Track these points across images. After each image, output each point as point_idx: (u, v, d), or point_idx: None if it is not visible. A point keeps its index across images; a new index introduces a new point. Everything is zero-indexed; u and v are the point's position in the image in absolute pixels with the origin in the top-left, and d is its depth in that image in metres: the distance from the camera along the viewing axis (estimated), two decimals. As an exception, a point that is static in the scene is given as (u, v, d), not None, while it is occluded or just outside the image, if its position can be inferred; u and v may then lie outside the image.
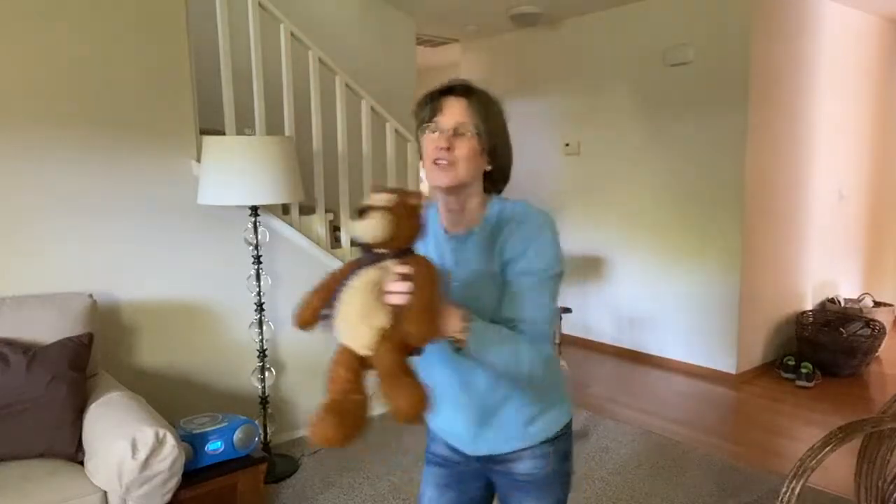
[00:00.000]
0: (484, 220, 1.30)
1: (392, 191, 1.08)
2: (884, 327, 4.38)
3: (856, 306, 4.75)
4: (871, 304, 4.83)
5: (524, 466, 1.36)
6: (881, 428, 1.72)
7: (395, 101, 4.43)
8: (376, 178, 3.66)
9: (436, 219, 1.35)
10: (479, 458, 1.40)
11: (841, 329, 4.31)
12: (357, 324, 1.04)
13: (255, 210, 2.79)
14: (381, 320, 1.03)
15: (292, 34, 3.18)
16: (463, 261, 1.29)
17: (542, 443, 1.36)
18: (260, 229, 2.85)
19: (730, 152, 4.08)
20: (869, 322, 4.41)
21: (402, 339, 1.03)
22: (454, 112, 1.23)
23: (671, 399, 3.93)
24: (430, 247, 1.33)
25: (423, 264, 1.07)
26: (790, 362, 4.25)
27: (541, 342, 1.23)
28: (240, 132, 3.14)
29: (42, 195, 2.52)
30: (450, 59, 6.64)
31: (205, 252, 2.94)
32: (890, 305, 4.89)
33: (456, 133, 1.22)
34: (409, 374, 1.03)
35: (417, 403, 1.00)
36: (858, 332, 4.33)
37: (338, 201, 3.45)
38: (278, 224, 3.14)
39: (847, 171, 4.90)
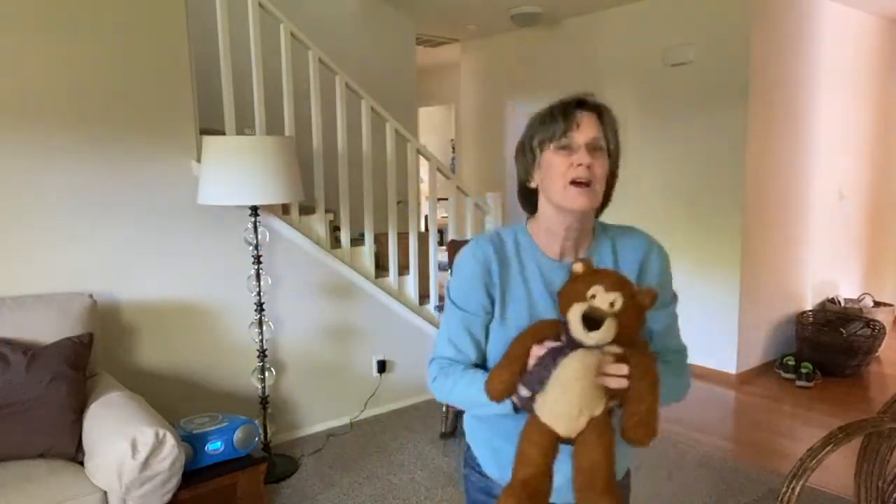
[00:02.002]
0: (594, 246, 1.23)
1: (618, 285, 1.00)
2: (884, 327, 4.38)
3: (856, 306, 4.75)
4: (871, 304, 4.83)
5: None
6: (881, 428, 1.71)
7: (395, 101, 4.44)
8: (376, 178, 3.66)
9: (530, 243, 1.24)
10: None
11: (841, 329, 4.31)
12: (573, 408, 0.98)
13: (255, 210, 2.79)
14: (599, 407, 0.99)
15: (292, 34, 3.18)
16: None
17: (624, 476, 1.33)
18: (260, 229, 2.85)
19: (730, 152, 4.08)
20: (869, 322, 4.41)
21: (612, 433, 0.99)
22: (589, 126, 1.14)
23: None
24: (531, 277, 1.22)
25: (643, 352, 1.02)
26: (790, 362, 4.25)
27: (688, 369, 1.27)
28: (240, 132, 3.14)
29: (42, 195, 2.52)
30: (450, 59, 6.65)
31: (205, 252, 2.94)
32: (890, 305, 4.89)
33: (591, 149, 1.13)
34: (614, 483, 0.99)
35: None
36: (858, 332, 4.33)
37: (338, 201, 3.45)
38: (278, 224, 3.14)
39: (847, 171, 4.90)
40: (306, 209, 3.34)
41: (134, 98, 2.70)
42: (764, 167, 4.16)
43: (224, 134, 3.05)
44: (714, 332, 4.27)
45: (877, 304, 4.86)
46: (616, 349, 0.99)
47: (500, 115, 5.62)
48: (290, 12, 3.26)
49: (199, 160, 2.83)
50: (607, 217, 1.30)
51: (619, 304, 0.98)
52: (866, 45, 4.88)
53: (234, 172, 2.58)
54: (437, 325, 3.76)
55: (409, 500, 2.70)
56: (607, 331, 0.96)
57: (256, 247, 2.83)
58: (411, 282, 3.74)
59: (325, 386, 3.42)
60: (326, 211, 3.38)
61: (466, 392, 1.18)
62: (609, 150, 1.16)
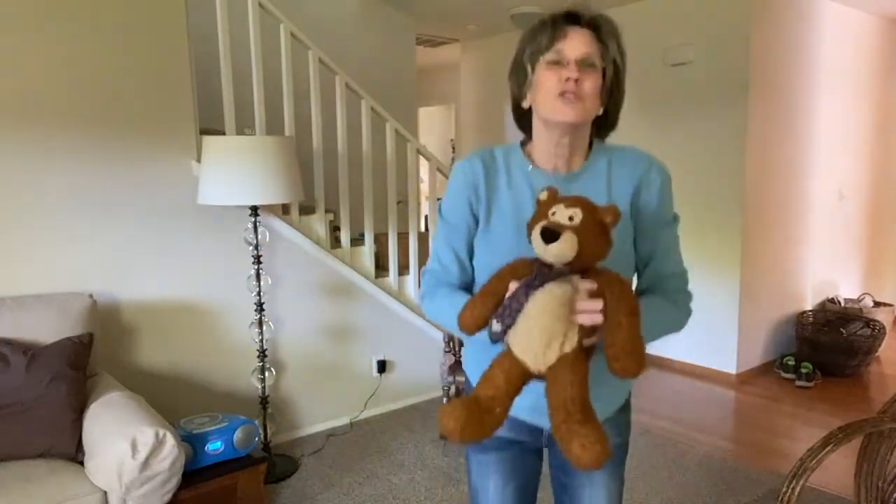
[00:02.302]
0: (589, 162, 1.21)
1: (578, 202, 0.99)
2: (884, 327, 4.38)
3: (856, 306, 4.75)
4: (871, 304, 4.83)
5: None
6: (881, 428, 1.72)
7: (395, 101, 4.44)
8: (376, 178, 3.66)
9: (521, 158, 1.23)
10: (550, 436, 1.27)
11: (841, 329, 4.31)
12: (542, 343, 0.97)
13: (255, 210, 2.79)
14: (570, 342, 0.97)
15: (292, 34, 3.18)
16: None
17: (621, 410, 1.32)
18: (260, 229, 2.85)
19: (730, 152, 4.08)
20: (869, 322, 4.41)
21: (586, 367, 0.97)
22: (581, 41, 1.12)
23: (671, 399, 3.93)
24: (519, 187, 1.21)
25: (615, 280, 0.99)
26: (790, 362, 4.25)
27: (689, 295, 1.25)
28: (240, 132, 3.14)
29: (42, 195, 2.52)
30: (450, 59, 6.65)
31: (205, 252, 2.94)
32: (890, 305, 4.89)
33: (582, 65, 1.11)
34: (592, 413, 0.96)
35: (601, 452, 0.91)
36: (858, 332, 4.33)
37: (338, 201, 3.45)
38: (278, 224, 3.14)
39: (847, 171, 4.90)
40: (306, 209, 3.34)
41: (134, 98, 2.70)
42: (764, 167, 4.16)
43: (224, 134, 3.05)
44: (714, 332, 4.27)
45: (877, 304, 4.86)
46: (589, 284, 0.98)
47: (500, 115, 5.62)
48: (290, 12, 3.26)
49: (199, 160, 2.83)
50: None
51: (578, 218, 0.96)
52: (866, 45, 4.88)
53: (234, 172, 2.58)
54: (437, 325, 3.77)
55: (409, 500, 2.70)
56: (565, 243, 0.94)
57: (256, 247, 2.83)
58: (411, 282, 3.74)
59: (325, 386, 3.42)
60: (326, 211, 3.38)
61: (447, 318, 1.18)
62: (605, 67, 1.14)
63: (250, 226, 2.82)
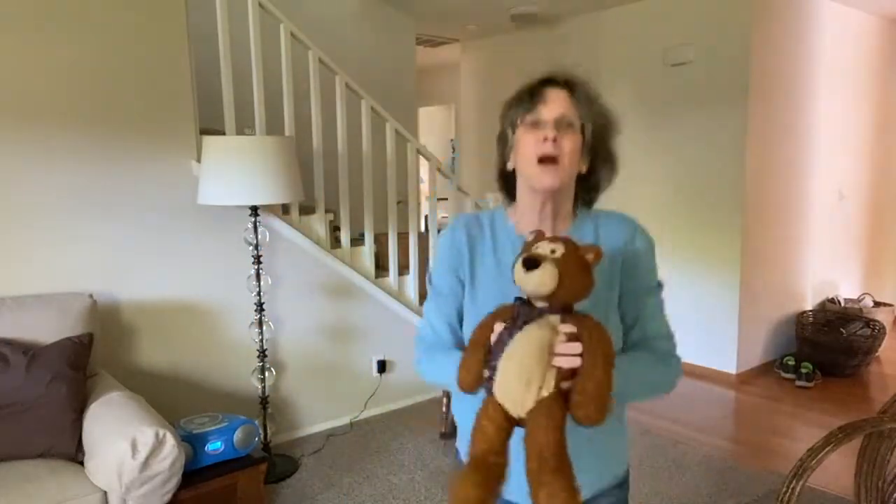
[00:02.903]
0: (574, 228, 1.21)
1: (560, 238, 0.99)
2: (884, 327, 4.38)
3: (856, 306, 4.75)
4: (871, 304, 4.83)
5: None
6: (881, 428, 1.72)
7: (395, 101, 4.44)
8: (376, 178, 3.66)
9: (506, 224, 1.25)
10: None
11: (841, 329, 4.31)
12: (519, 385, 0.94)
13: (255, 210, 2.79)
14: (548, 386, 0.94)
15: (292, 34, 3.18)
16: None
17: (619, 485, 1.27)
18: (260, 229, 2.85)
19: (730, 152, 4.08)
20: (869, 322, 4.41)
21: (563, 413, 0.94)
22: (557, 104, 1.14)
23: (671, 399, 3.93)
24: (503, 254, 1.22)
25: (593, 326, 0.97)
26: (790, 362, 4.25)
27: (678, 358, 1.22)
28: (240, 132, 3.14)
29: (42, 195, 2.52)
30: (450, 59, 6.65)
31: (205, 252, 2.94)
32: (890, 305, 4.89)
33: (559, 125, 1.12)
34: (566, 463, 0.93)
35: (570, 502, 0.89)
36: (858, 332, 4.33)
37: (338, 201, 3.45)
38: (278, 224, 3.14)
39: (847, 171, 4.90)
40: (306, 209, 3.34)
41: (134, 98, 2.70)
42: (764, 167, 4.16)
43: (224, 134, 3.05)
44: (714, 332, 4.27)
45: (877, 304, 4.86)
46: (568, 328, 0.96)
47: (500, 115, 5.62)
48: (290, 12, 3.26)
49: (199, 160, 2.83)
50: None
51: (559, 252, 0.96)
52: (866, 45, 4.88)
53: (234, 172, 2.58)
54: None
55: (409, 500, 2.70)
56: (545, 271, 0.93)
57: (256, 247, 2.83)
58: (411, 282, 3.74)
59: (325, 386, 3.42)
60: (326, 211, 3.38)
61: (447, 373, 1.15)
62: (583, 126, 1.15)
63: (250, 226, 2.82)
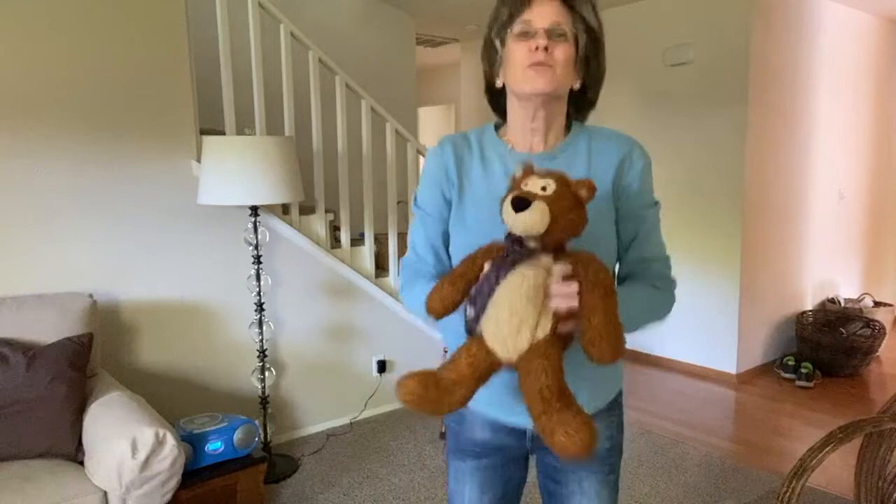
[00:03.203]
0: (568, 141, 1.15)
1: (552, 174, 0.93)
2: (884, 327, 4.38)
3: (856, 306, 4.75)
4: (871, 304, 4.83)
5: None
6: (881, 428, 1.72)
7: (395, 101, 4.44)
8: (376, 178, 3.66)
9: (495, 139, 1.19)
10: (534, 436, 1.21)
11: (841, 329, 4.31)
12: (513, 328, 0.90)
13: (255, 210, 2.79)
14: (543, 328, 0.90)
15: (292, 34, 3.18)
16: None
17: (609, 409, 1.24)
18: (260, 229, 2.85)
19: (730, 152, 4.08)
20: (869, 322, 4.41)
21: (560, 354, 0.91)
22: (549, 10, 1.06)
23: (671, 399, 3.93)
24: (494, 174, 1.16)
25: (588, 261, 0.92)
26: (790, 362, 4.25)
27: (673, 280, 1.19)
28: (240, 132, 3.14)
29: (42, 195, 2.52)
30: (450, 59, 6.65)
31: (205, 252, 2.94)
32: (890, 305, 4.89)
33: (551, 35, 1.05)
34: (571, 399, 0.89)
35: (588, 438, 0.85)
36: (858, 332, 4.33)
37: (338, 201, 3.45)
38: (278, 224, 3.14)
39: (847, 171, 4.90)
40: (306, 209, 3.34)
41: (134, 98, 2.70)
42: (764, 167, 4.16)
43: (224, 134, 3.05)
44: (714, 332, 4.27)
45: (877, 304, 4.86)
46: (563, 267, 0.91)
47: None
48: (290, 12, 3.27)
49: (199, 160, 2.83)
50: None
51: (551, 189, 0.91)
52: (866, 45, 4.88)
53: (234, 172, 2.58)
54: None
55: (408, 501, 2.70)
56: (535, 211, 0.88)
57: (256, 247, 2.83)
58: (411, 282, 3.73)
59: (325, 386, 3.42)
60: (326, 211, 3.38)
61: (421, 307, 1.09)
62: (576, 36, 1.08)
63: (250, 226, 2.82)
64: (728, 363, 4.23)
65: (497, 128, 1.23)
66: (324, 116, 3.34)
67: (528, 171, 0.96)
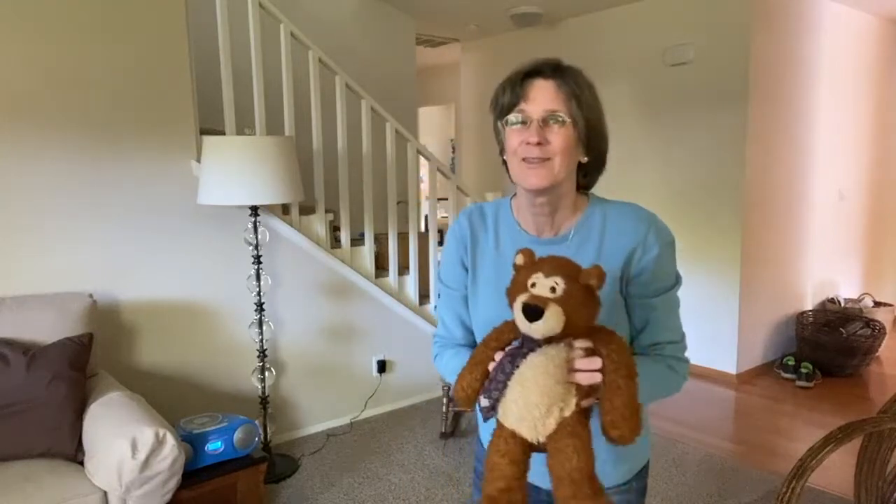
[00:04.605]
0: (580, 223, 1.13)
1: (558, 268, 0.90)
2: (884, 327, 4.38)
3: (856, 306, 4.75)
4: (871, 304, 4.83)
5: None
6: (881, 428, 1.71)
7: (395, 101, 4.44)
8: (376, 178, 3.66)
9: (510, 218, 1.18)
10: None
11: (841, 329, 4.31)
12: (543, 409, 0.88)
13: (255, 210, 2.79)
14: (569, 405, 0.89)
15: (292, 34, 3.18)
16: None
17: (636, 476, 1.26)
18: (260, 229, 2.85)
19: (730, 152, 4.08)
20: (869, 322, 4.41)
21: (588, 431, 0.90)
22: (544, 97, 1.05)
23: (671, 399, 3.92)
24: (505, 254, 1.16)
25: (609, 337, 0.91)
26: (790, 362, 4.25)
27: (686, 361, 1.18)
28: (240, 132, 3.14)
29: (42, 195, 2.52)
30: (450, 59, 6.65)
31: (205, 252, 2.94)
32: (890, 305, 4.89)
33: (547, 123, 1.04)
34: (598, 486, 0.88)
35: None
36: (858, 332, 4.32)
37: (338, 201, 3.45)
38: (278, 224, 3.14)
39: (847, 172, 4.90)
40: (306, 209, 3.34)
41: (134, 98, 2.70)
42: (764, 167, 4.16)
43: (224, 134, 3.05)
44: (714, 332, 4.27)
45: (877, 304, 4.86)
46: (584, 343, 0.91)
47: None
48: (290, 12, 3.27)
49: (199, 160, 2.83)
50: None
51: (560, 288, 0.88)
52: (866, 45, 4.88)
53: (234, 172, 2.58)
54: (437, 325, 3.76)
55: (409, 500, 2.70)
56: (551, 319, 0.86)
57: (256, 247, 2.83)
58: (411, 282, 3.74)
59: (325, 386, 3.42)
60: (326, 211, 3.38)
61: (450, 377, 1.14)
62: (574, 120, 1.05)
63: (250, 226, 2.82)
64: (728, 363, 4.23)
65: (514, 196, 1.22)
66: (324, 116, 3.34)
67: (530, 260, 0.95)
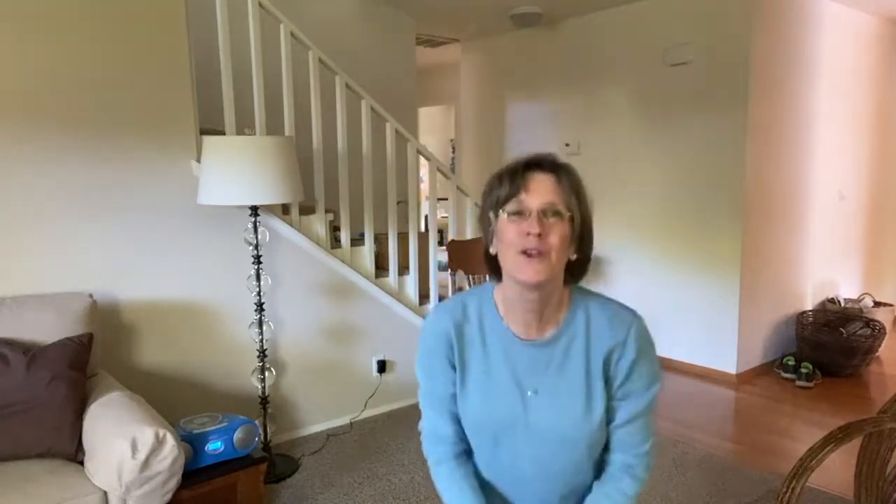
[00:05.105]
0: (565, 323, 1.14)
1: None
2: (884, 327, 4.38)
3: (856, 306, 4.75)
4: (871, 304, 4.83)
5: None
6: (881, 428, 1.71)
7: (395, 101, 4.44)
8: (376, 178, 3.67)
9: (494, 316, 1.16)
10: None
11: (841, 329, 4.31)
12: None
13: (255, 210, 2.79)
14: None
15: (292, 34, 3.18)
16: (546, 374, 1.13)
17: None
18: (260, 229, 2.85)
19: (730, 152, 4.08)
20: (869, 322, 4.41)
21: None
22: (544, 189, 1.04)
23: (671, 399, 3.93)
24: (492, 356, 1.15)
25: None
26: (790, 362, 4.25)
27: (647, 457, 1.21)
28: (240, 132, 3.14)
29: (42, 195, 2.52)
30: (450, 59, 6.65)
31: (205, 252, 2.94)
32: (890, 305, 4.89)
33: (546, 215, 1.03)
34: None
35: None
36: (858, 332, 4.32)
37: (338, 201, 3.45)
38: (278, 224, 3.14)
39: (847, 171, 4.90)
40: (306, 209, 3.34)
41: (134, 98, 2.70)
42: (764, 167, 4.16)
43: (224, 134, 3.05)
44: (714, 332, 4.27)
45: (877, 304, 4.86)
46: None
47: (500, 115, 5.62)
48: (290, 12, 3.26)
49: (199, 160, 2.83)
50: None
51: None
52: (866, 45, 4.88)
53: (234, 172, 2.58)
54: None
55: (409, 501, 2.70)
56: None
57: (256, 247, 2.83)
58: (411, 282, 3.74)
59: (325, 386, 3.42)
60: (326, 211, 3.38)
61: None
62: (572, 215, 1.05)
63: (250, 226, 2.82)
64: (728, 363, 4.23)
65: (494, 290, 1.20)
66: (324, 116, 3.34)
67: None
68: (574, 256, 1.10)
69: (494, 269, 1.16)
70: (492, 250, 1.14)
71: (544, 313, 1.12)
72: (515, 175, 1.06)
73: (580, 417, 1.13)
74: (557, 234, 1.03)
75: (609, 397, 1.17)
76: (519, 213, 1.04)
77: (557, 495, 1.23)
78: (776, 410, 3.75)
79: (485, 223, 1.14)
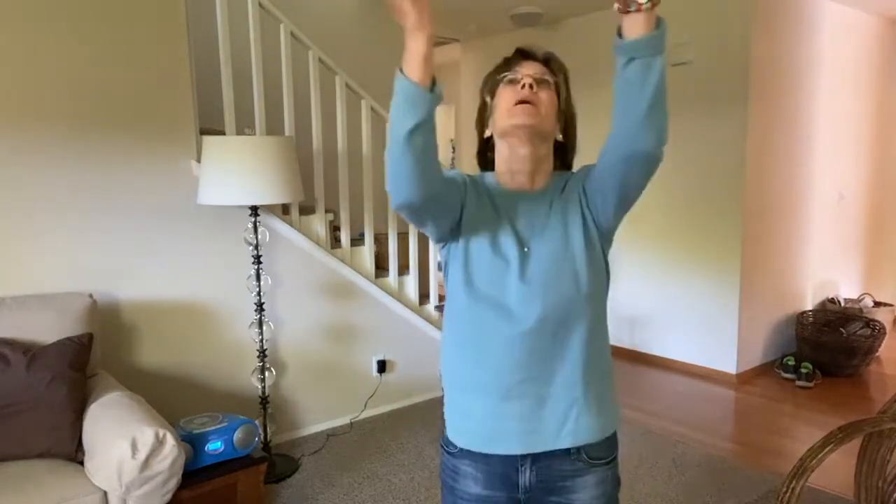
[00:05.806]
0: (548, 182, 1.25)
1: None
2: (884, 327, 4.38)
3: (856, 306, 4.75)
4: (871, 304, 4.83)
5: (587, 495, 1.22)
6: (881, 428, 1.72)
7: (395, 101, 4.43)
8: (376, 177, 3.66)
9: (492, 180, 1.28)
10: (530, 488, 1.23)
11: (841, 329, 4.31)
12: None
13: (255, 210, 2.79)
14: None
15: (292, 34, 3.18)
16: (539, 220, 1.21)
17: (606, 462, 1.24)
18: (260, 229, 2.85)
19: (730, 152, 4.08)
20: (869, 322, 4.41)
21: None
22: (536, 69, 1.21)
23: (671, 399, 3.93)
24: (486, 207, 1.23)
25: None
26: (790, 362, 4.25)
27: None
28: (240, 132, 3.14)
29: (42, 195, 2.52)
30: (450, 59, 6.64)
31: (205, 252, 2.94)
32: (890, 305, 4.89)
33: (537, 82, 1.18)
34: None
35: None
36: (858, 332, 4.33)
37: (338, 201, 3.45)
38: (278, 224, 3.14)
39: (847, 171, 4.90)
40: (306, 209, 3.34)
41: (134, 98, 2.70)
42: (764, 167, 4.16)
43: (224, 134, 3.05)
44: (714, 332, 4.27)
45: (877, 304, 4.86)
46: None
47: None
48: (290, 12, 3.26)
49: (199, 160, 2.83)
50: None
51: None
52: (866, 45, 4.88)
53: (234, 172, 2.58)
54: (437, 325, 3.77)
55: (409, 500, 2.70)
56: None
57: (256, 247, 2.83)
58: (411, 282, 3.74)
59: (325, 386, 3.42)
60: (326, 211, 3.38)
61: (395, 107, 1.02)
62: (558, 83, 1.21)
63: (250, 226, 2.82)
64: (728, 363, 4.23)
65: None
66: (324, 116, 3.34)
67: None
68: (560, 137, 1.25)
69: (485, 161, 1.32)
70: (487, 133, 1.27)
71: (535, 178, 1.24)
72: (510, 60, 1.24)
73: (582, 274, 1.19)
74: (546, 95, 1.18)
75: (596, 182, 1.19)
76: (513, 81, 1.20)
77: (572, 382, 1.21)
78: (776, 410, 3.75)
79: (482, 113, 1.28)
